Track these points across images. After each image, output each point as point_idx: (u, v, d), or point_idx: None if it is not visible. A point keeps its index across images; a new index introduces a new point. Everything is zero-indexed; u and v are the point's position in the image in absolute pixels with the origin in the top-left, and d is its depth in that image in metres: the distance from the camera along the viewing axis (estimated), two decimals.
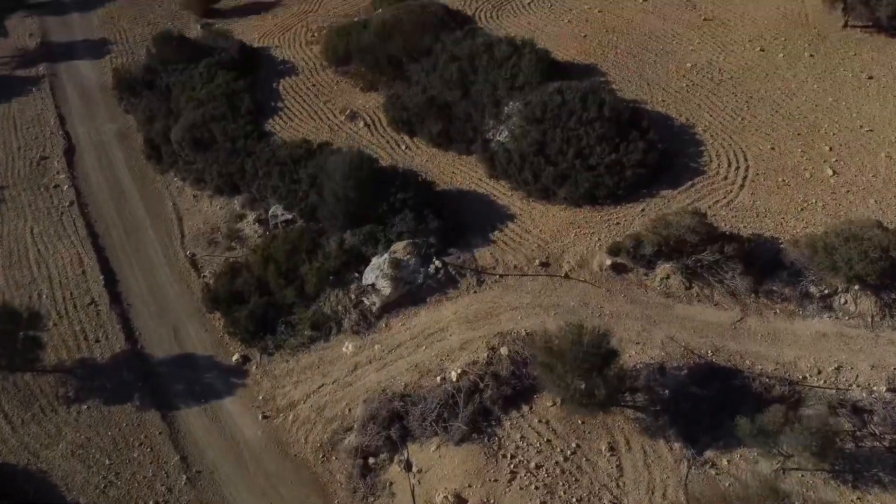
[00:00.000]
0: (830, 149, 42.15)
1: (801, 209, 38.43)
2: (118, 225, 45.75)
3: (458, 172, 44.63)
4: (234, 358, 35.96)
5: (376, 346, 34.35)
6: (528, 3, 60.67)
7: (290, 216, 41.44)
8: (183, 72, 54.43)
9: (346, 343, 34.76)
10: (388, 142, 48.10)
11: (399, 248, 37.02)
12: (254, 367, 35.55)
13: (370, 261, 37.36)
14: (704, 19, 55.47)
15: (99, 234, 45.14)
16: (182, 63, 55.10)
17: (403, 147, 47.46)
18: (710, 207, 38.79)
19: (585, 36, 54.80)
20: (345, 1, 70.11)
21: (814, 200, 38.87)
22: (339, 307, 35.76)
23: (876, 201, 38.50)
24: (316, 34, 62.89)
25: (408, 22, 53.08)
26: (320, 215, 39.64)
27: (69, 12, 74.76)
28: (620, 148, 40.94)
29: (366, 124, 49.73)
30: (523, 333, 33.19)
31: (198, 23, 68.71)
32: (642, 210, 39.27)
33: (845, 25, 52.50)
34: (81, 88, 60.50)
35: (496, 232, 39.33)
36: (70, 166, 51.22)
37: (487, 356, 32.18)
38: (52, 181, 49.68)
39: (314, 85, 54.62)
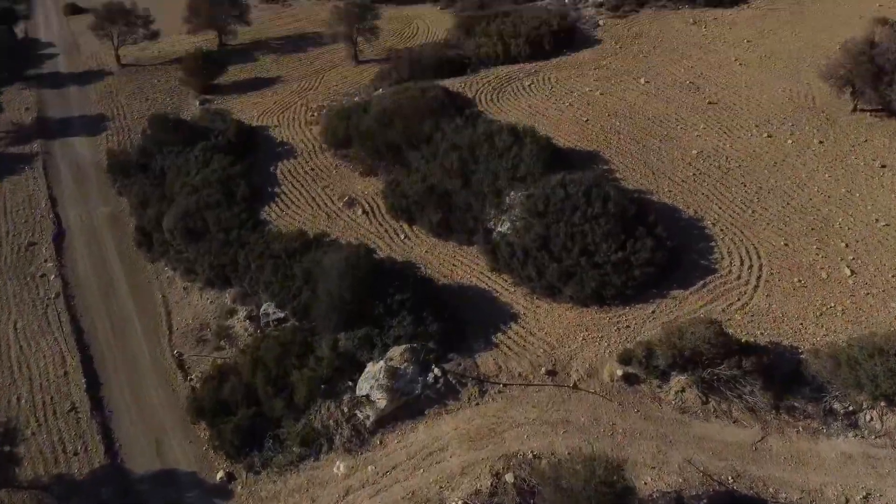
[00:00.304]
0: (846, 245, 39.80)
1: (820, 314, 35.89)
2: (104, 319, 43.08)
3: (458, 265, 42.23)
4: (219, 475, 32.96)
5: (370, 468, 31.44)
6: (529, 85, 59.01)
7: (282, 315, 38.90)
8: (178, 155, 52.41)
9: (338, 463, 31.86)
10: (386, 231, 45.81)
11: (396, 354, 34.42)
12: (239, 487, 32.53)
13: (365, 367, 34.73)
14: (709, 103, 53.67)
15: (84, 329, 42.42)
16: (178, 146, 53.10)
17: (402, 236, 45.15)
18: (723, 311, 36.30)
19: (587, 120, 52.89)
20: (345, 78, 68.73)
21: (833, 304, 36.36)
22: (331, 421, 32.97)
23: None
24: (316, 113, 61.16)
25: (408, 108, 51.22)
26: (314, 315, 37.08)
27: (67, 85, 73.35)
28: (627, 245, 38.57)
29: (364, 211, 47.50)
30: (530, 456, 30.35)
31: (196, 99, 67.18)
32: (653, 312, 36.74)
33: (854, 109, 50.68)
34: (76, 167, 58.42)
35: (499, 334, 36.72)
36: (58, 253, 48.72)
37: (491, 484, 29.30)
38: (40, 269, 47.15)
39: (312, 169, 52.56)
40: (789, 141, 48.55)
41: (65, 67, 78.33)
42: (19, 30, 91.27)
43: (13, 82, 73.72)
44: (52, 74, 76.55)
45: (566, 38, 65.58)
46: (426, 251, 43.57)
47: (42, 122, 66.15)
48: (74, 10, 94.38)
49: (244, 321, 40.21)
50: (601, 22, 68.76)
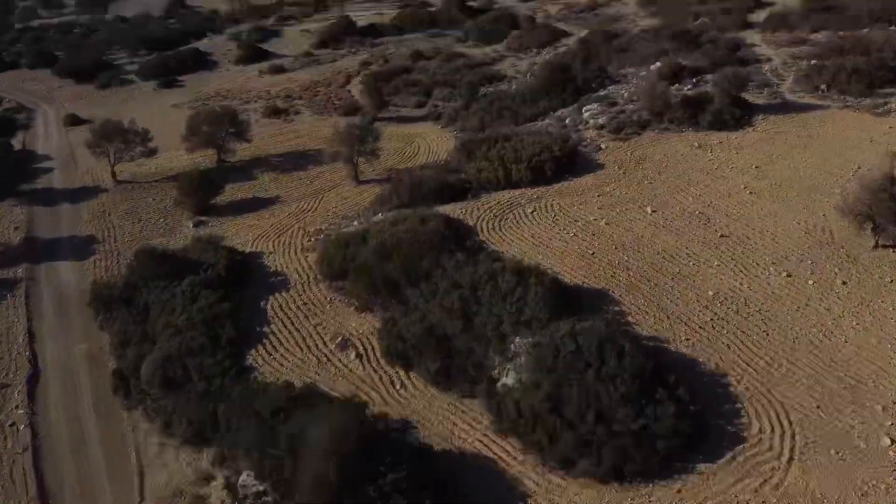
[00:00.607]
0: (883, 408, 35.30)
1: (862, 494, 31.15)
2: (73, 479, 38.08)
3: (459, 423, 37.57)
4: None
5: None
6: (531, 213, 55.51)
7: (261, 488, 34.12)
8: (164, 289, 48.36)
9: None
10: (380, 378, 41.39)
11: None
12: None
13: None
14: (721, 236, 50.00)
15: (49, 491, 37.45)
16: (164, 279, 49.16)
17: (398, 386, 40.71)
18: (756, 491, 31.53)
19: (593, 253, 49.14)
20: (344, 199, 65.45)
21: (874, 482, 31.62)
22: None
23: None
24: (313, 238, 57.57)
25: (407, 242, 47.55)
26: (296, 494, 32.32)
27: (60, 202, 70.18)
28: (647, 411, 34.11)
29: (357, 355, 43.17)
30: None
31: (191, 220, 63.75)
32: (679, 491, 31.96)
33: (876, 246, 46.96)
34: (59, 296, 54.32)
35: None
36: (31, 399, 44.03)
37: None
38: (10, 417, 42.44)
39: (305, 303, 48.48)
40: (810, 281, 44.65)
41: (59, 183, 75.46)
42: (17, 140, 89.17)
43: (5, 198, 70.74)
44: (46, 190, 73.59)
45: (568, 162, 62.54)
46: (424, 405, 39.08)
47: (30, 243, 62.57)
48: (75, 121, 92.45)
49: (221, 491, 35.31)
50: (603, 145, 65.92)
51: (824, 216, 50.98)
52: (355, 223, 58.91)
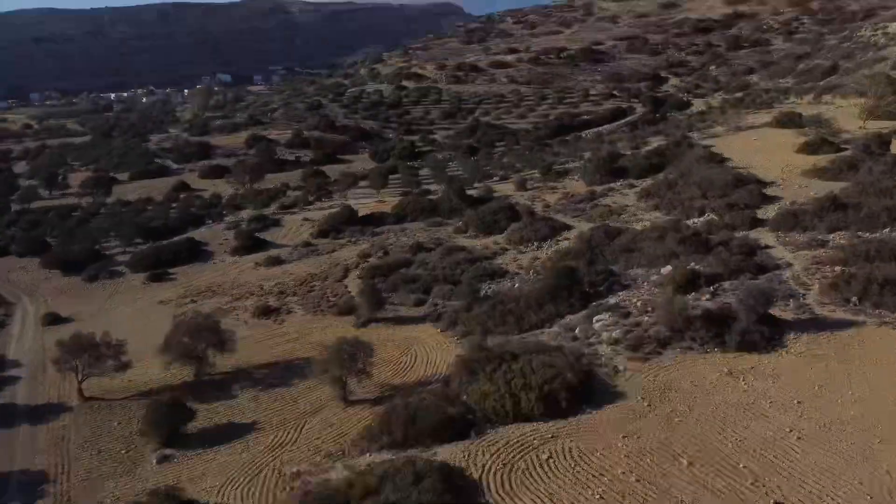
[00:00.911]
0: None
1: None
2: None
3: None
4: None
5: None
6: (547, 459, 45.97)
7: None
8: None
9: None
10: None
11: None
12: None
13: None
14: (775, 503, 40.43)
15: None
16: None
17: None
18: None
19: None
20: (330, 426, 56.17)
21: None
22: None
23: None
24: (289, 487, 48.10)
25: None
26: None
27: (19, 422, 61.39)
28: None
29: None
30: None
31: (155, 453, 54.46)
32: None
33: None
34: None
35: None
36: None
37: None
38: None
39: None
40: None
41: (22, 397, 66.67)
42: None
43: None
44: (7, 407, 64.84)
45: (583, 388, 53.77)
46: None
47: None
48: (54, 320, 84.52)
49: None
50: (621, 366, 57.31)
51: (888, 472, 41.69)
52: (338, 466, 49.60)
